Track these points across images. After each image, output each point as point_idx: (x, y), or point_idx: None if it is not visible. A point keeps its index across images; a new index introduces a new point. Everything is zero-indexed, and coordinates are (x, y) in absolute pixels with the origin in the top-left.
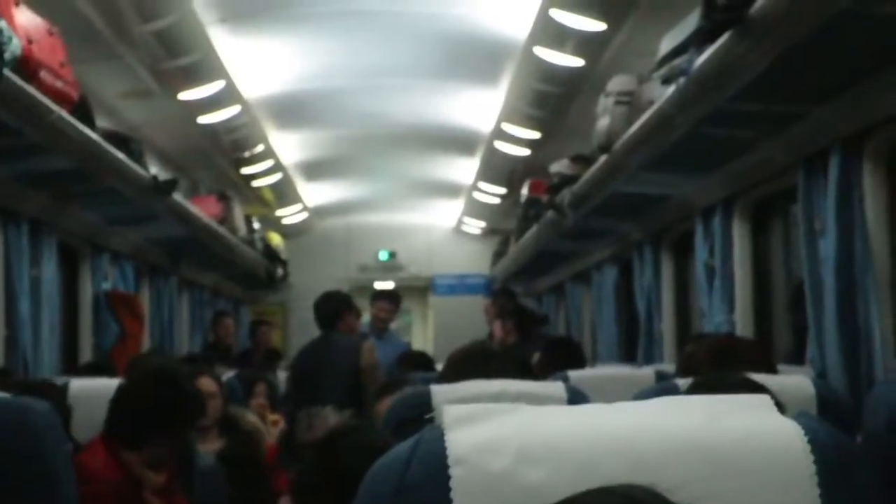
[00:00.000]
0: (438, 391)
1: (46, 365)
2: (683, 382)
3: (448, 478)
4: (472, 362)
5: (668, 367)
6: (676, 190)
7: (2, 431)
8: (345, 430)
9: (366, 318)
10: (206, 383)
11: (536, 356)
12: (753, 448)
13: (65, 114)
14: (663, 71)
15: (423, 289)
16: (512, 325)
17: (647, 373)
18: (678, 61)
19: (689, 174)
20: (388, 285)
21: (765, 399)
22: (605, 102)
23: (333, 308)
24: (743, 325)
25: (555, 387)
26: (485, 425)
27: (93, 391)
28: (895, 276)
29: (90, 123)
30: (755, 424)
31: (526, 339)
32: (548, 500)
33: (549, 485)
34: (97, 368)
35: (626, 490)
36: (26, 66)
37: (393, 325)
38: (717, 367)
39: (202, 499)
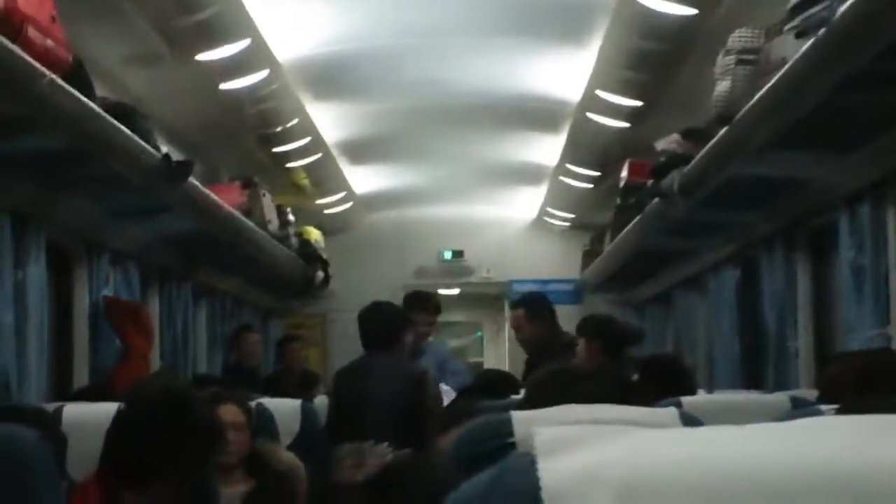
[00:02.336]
0: (521, 418)
1: (34, 388)
2: (828, 409)
3: None
4: (558, 385)
5: (806, 393)
6: (815, 172)
7: None
8: (403, 467)
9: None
10: (230, 412)
11: (633, 379)
12: None
13: (57, 80)
14: (797, 22)
15: (496, 297)
16: (600, 344)
17: (778, 400)
18: (816, 9)
19: (831, 152)
20: (451, 292)
21: None
22: (724, 62)
23: (387, 325)
24: None
25: (666, 414)
26: (586, 452)
27: (90, 419)
28: None
29: (88, 93)
30: None
31: (617, 360)
32: None
33: None
34: (95, 392)
35: None
36: (9, 21)
37: (453, 343)
38: (868, 391)
39: None
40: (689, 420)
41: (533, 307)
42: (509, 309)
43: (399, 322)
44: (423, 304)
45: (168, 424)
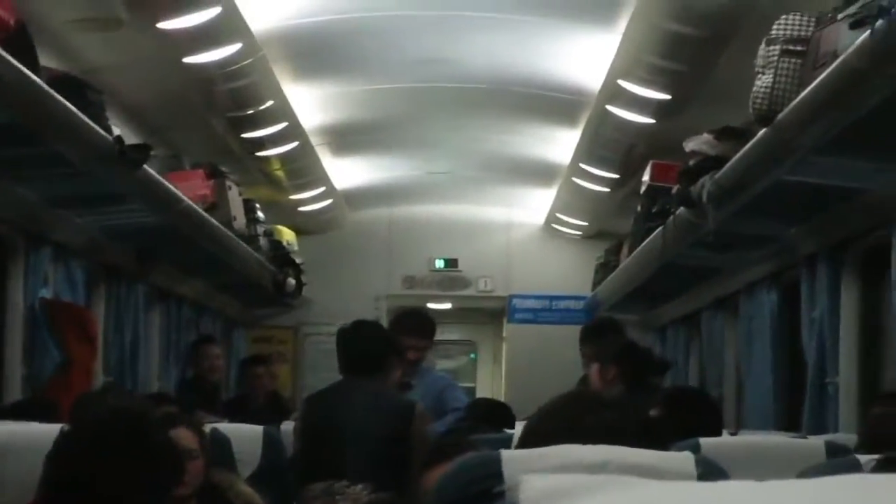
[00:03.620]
0: (512, 458)
1: None
2: (867, 460)
3: None
4: (564, 416)
5: (847, 437)
6: (867, 182)
7: None
8: None
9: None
10: (185, 436)
11: (652, 414)
12: None
13: None
14: (853, 10)
15: (494, 313)
16: (616, 370)
17: (812, 445)
18: None
19: (888, 161)
20: (443, 307)
21: None
22: (767, 53)
23: (370, 349)
24: None
25: (680, 459)
26: None
27: (25, 440)
28: None
29: (29, 61)
30: None
31: (635, 390)
32: None
33: None
34: (32, 409)
35: None
36: None
37: (442, 365)
38: None
39: None
40: (707, 466)
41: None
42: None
43: (384, 348)
44: (414, 324)
45: (120, 450)
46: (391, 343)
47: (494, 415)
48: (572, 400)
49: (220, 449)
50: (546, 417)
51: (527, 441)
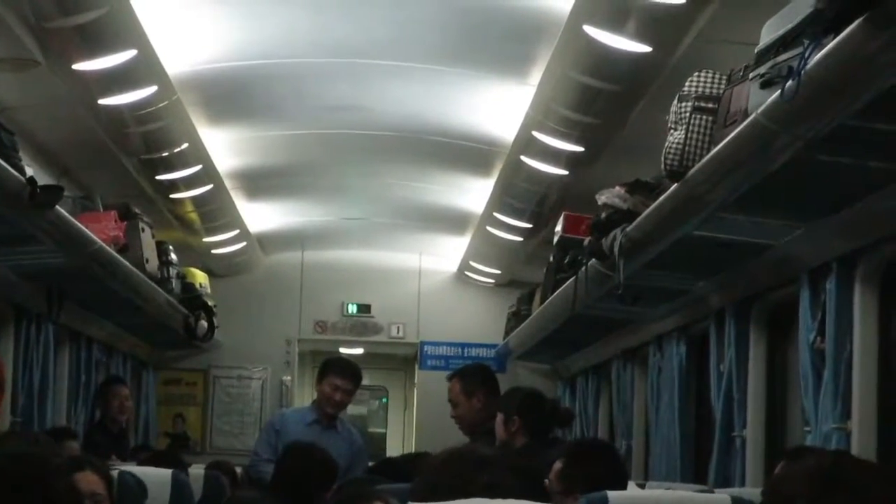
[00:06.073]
0: None
1: None
2: None
3: None
4: (454, 472)
5: (750, 492)
6: (776, 239)
7: None
8: None
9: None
10: (91, 480)
11: (556, 466)
12: None
13: None
14: (763, 69)
15: (405, 359)
16: (520, 421)
17: (721, 500)
18: (785, 57)
19: (796, 218)
20: (355, 352)
21: None
22: (679, 109)
23: (308, 472)
24: (862, 439)
25: None
26: None
27: None
28: None
29: None
30: None
31: (539, 442)
32: None
33: None
34: None
35: None
36: None
37: (354, 410)
38: (819, 499)
39: None
40: None
41: (470, 380)
42: (447, 381)
43: (328, 477)
44: (344, 368)
45: (20, 498)
46: (333, 471)
47: (395, 472)
48: (457, 457)
49: (127, 492)
50: (432, 475)
51: (417, 495)
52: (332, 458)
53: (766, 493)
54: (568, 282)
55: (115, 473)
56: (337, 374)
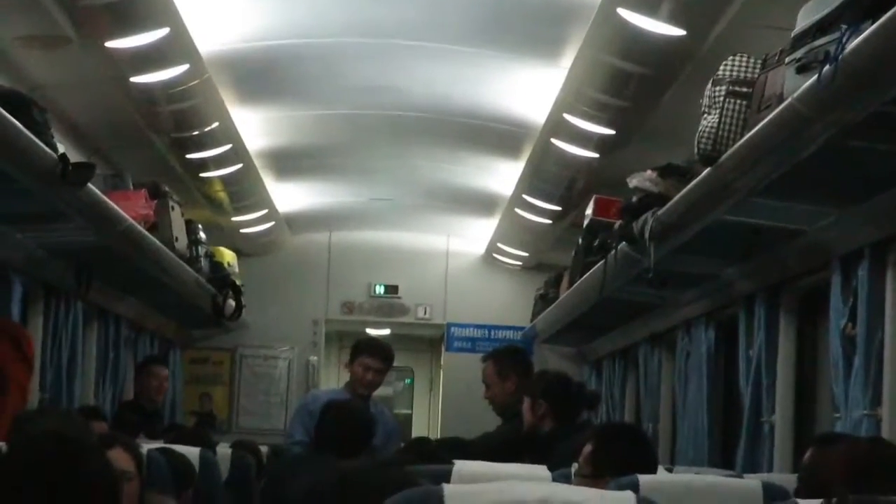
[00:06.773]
0: (454, 493)
1: None
2: None
3: None
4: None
5: (779, 478)
6: (808, 225)
7: None
8: None
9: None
10: (121, 457)
11: (586, 450)
12: None
13: None
14: (799, 54)
15: (432, 341)
16: (547, 405)
17: (750, 486)
18: (821, 42)
19: (828, 204)
20: (381, 333)
21: None
22: (713, 93)
23: (348, 425)
24: (893, 425)
25: (621, 498)
26: None
27: None
28: None
29: None
30: None
31: (566, 425)
32: None
33: None
34: None
35: None
36: None
37: (379, 391)
38: (856, 485)
39: None
40: None
41: (504, 363)
42: (482, 361)
43: (369, 434)
44: (375, 347)
45: (55, 477)
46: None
47: (421, 451)
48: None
49: (155, 471)
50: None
51: None
52: (370, 413)
53: (803, 479)
54: (597, 265)
55: (144, 451)
56: (369, 354)
